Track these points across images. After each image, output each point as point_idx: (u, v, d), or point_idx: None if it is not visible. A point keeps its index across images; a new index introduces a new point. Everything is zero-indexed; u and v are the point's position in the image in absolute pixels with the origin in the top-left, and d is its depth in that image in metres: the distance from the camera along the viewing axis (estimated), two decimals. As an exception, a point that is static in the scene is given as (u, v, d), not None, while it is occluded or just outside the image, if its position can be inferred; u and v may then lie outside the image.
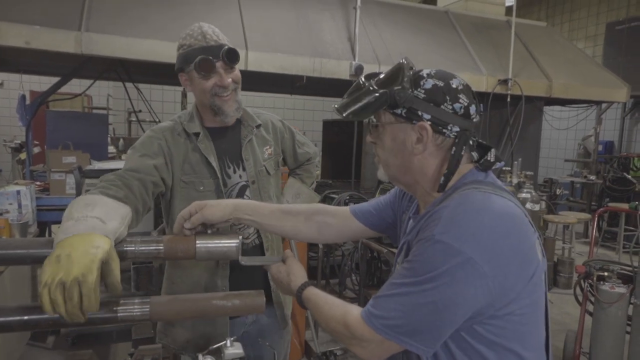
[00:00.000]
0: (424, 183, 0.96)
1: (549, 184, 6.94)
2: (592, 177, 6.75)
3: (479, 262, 0.79)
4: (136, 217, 1.24)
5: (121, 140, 7.11)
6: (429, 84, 0.90)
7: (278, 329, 1.66)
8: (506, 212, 0.85)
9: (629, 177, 6.17)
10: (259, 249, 1.54)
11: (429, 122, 0.90)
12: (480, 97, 4.23)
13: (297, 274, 1.11)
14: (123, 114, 7.62)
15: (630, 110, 7.36)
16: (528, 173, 4.04)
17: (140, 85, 4.62)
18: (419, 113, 0.90)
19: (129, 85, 4.30)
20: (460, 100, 0.90)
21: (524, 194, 3.92)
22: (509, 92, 4.23)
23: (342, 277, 3.81)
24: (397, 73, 0.93)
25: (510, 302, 0.83)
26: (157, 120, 4.97)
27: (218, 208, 1.14)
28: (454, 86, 0.91)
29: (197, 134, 1.46)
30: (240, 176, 1.52)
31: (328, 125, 5.61)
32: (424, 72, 0.93)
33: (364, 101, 0.92)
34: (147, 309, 1.05)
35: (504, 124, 4.49)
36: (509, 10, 5.04)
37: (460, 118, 0.90)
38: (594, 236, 3.19)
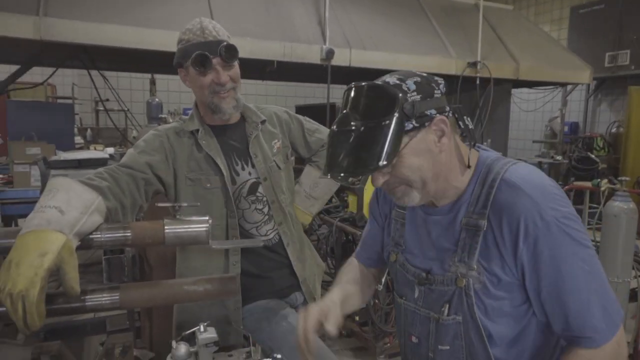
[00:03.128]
0: (453, 175, 0.94)
1: (518, 165, 7.11)
2: (559, 158, 6.95)
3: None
4: (122, 211, 1.22)
5: (89, 131, 6.90)
6: (410, 84, 0.88)
7: None
8: (539, 171, 0.95)
9: (593, 156, 6.38)
10: (280, 244, 1.53)
11: (437, 114, 0.88)
12: (450, 80, 4.28)
13: None
14: (90, 103, 7.38)
15: (594, 91, 7.58)
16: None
17: (107, 73, 4.47)
18: (427, 112, 0.87)
19: (94, 73, 4.15)
20: (439, 81, 0.93)
21: (493, 175, 4.00)
22: (478, 74, 4.29)
23: (318, 261, 3.84)
24: (384, 92, 0.87)
25: None
26: (126, 109, 4.84)
27: (335, 312, 1.03)
28: (425, 75, 0.92)
29: (196, 131, 1.44)
30: (249, 173, 1.49)
31: (301, 110, 5.59)
32: (391, 79, 0.90)
33: (387, 135, 0.83)
34: (117, 297, 1.04)
35: (473, 106, 4.56)
36: (477, -7, 5.08)
37: (444, 96, 0.92)
38: (559, 213, 3.28)
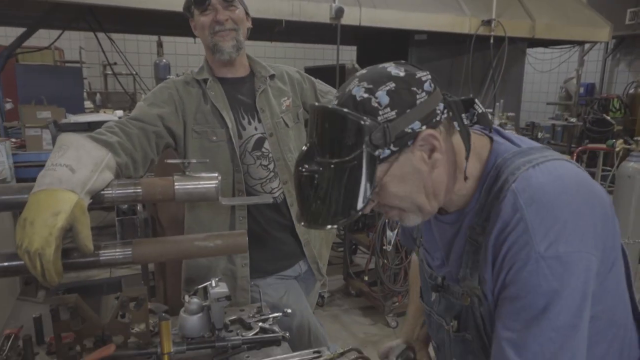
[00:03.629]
0: (457, 185, 0.79)
1: (530, 128, 7.00)
2: (573, 120, 6.81)
3: (594, 253, 0.69)
4: (134, 166, 1.23)
5: (98, 95, 6.89)
6: (382, 97, 0.70)
7: (313, 282, 1.68)
8: (578, 180, 0.73)
9: (608, 118, 6.24)
10: (285, 206, 1.53)
11: (424, 127, 0.71)
12: (463, 39, 4.16)
13: None
14: (98, 67, 7.33)
15: (612, 51, 7.34)
16: (510, 114, 4.06)
17: (114, 36, 4.42)
18: (408, 129, 0.70)
19: (101, 36, 4.10)
20: (423, 78, 0.73)
21: (505, 137, 3.95)
22: (492, 33, 4.16)
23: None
24: (346, 122, 0.69)
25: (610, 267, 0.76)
26: (134, 72, 4.81)
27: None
28: (402, 74, 0.73)
29: (205, 80, 1.44)
30: (255, 128, 1.48)
31: (310, 72, 5.47)
32: (359, 92, 0.71)
33: (358, 175, 0.69)
34: (130, 252, 1.06)
35: (486, 67, 4.44)
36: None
37: (435, 93, 0.74)
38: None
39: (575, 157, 3.37)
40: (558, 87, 7.99)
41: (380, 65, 0.76)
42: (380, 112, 0.70)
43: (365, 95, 0.71)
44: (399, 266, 3.09)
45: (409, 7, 3.85)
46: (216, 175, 1.12)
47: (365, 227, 3.72)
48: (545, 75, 7.98)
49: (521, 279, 0.69)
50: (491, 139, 0.82)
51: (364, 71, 0.77)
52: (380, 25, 3.70)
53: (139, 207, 2.78)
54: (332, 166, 0.70)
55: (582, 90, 7.28)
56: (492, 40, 4.19)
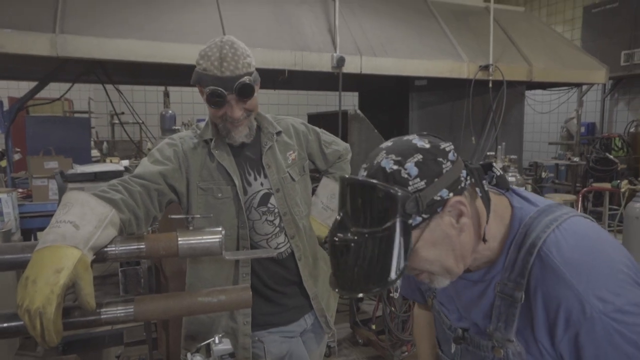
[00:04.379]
0: (482, 246, 0.82)
1: (534, 168, 7.01)
2: (576, 159, 6.82)
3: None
4: (137, 223, 1.22)
5: (105, 144, 7.02)
6: (411, 169, 0.74)
7: (322, 335, 1.64)
8: (596, 233, 0.78)
9: (611, 157, 6.26)
10: (292, 258, 1.52)
11: (451, 194, 0.75)
12: (462, 83, 4.25)
13: None
14: (105, 116, 7.52)
15: (610, 91, 7.45)
16: (512, 157, 4.08)
17: (122, 87, 4.55)
18: (437, 197, 0.74)
19: (109, 87, 4.23)
20: (447, 149, 0.78)
21: (509, 178, 3.96)
22: (490, 77, 4.25)
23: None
24: (379, 193, 0.73)
25: None
26: (141, 121, 4.91)
27: None
28: (427, 146, 0.77)
29: (210, 140, 1.43)
30: (261, 184, 1.48)
31: (313, 118, 5.59)
32: (388, 164, 0.75)
33: (392, 243, 0.71)
34: (132, 309, 1.04)
35: (487, 110, 4.51)
36: (487, -4, 5.06)
37: (458, 161, 0.78)
38: (578, 216, 3.22)
39: (581, 198, 3.35)
40: (559, 127, 8.07)
41: (405, 138, 0.81)
42: (411, 183, 0.73)
43: (395, 167, 0.74)
44: (407, 314, 3.01)
45: (409, 55, 3.96)
46: (220, 229, 1.12)
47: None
48: (545, 116, 8.08)
49: (595, 341, 0.71)
50: (508, 199, 0.86)
51: (389, 143, 0.81)
52: (380, 73, 3.80)
53: (143, 256, 2.77)
54: (367, 235, 0.73)
55: (583, 129, 7.35)
56: (490, 85, 4.28)
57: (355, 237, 0.73)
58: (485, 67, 4.23)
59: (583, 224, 0.80)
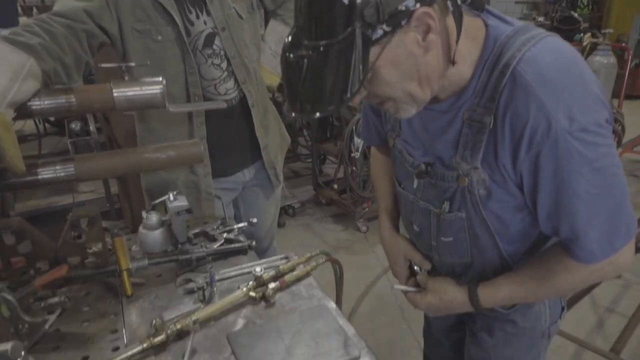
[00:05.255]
0: (448, 70, 0.76)
1: (499, 28, 6.86)
2: (540, 19, 6.69)
3: (609, 115, 0.73)
4: (65, 72, 1.04)
5: (34, 10, 6.23)
6: None
7: (271, 189, 1.62)
8: (575, 54, 0.75)
9: (575, 15, 6.14)
10: (242, 108, 1.42)
11: (418, 5, 0.65)
12: None
13: (448, 290, 0.97)
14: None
15: (584, -59, 7.02)
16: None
17: None
18: (402, 7, 0.64)
19: None
20: None
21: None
22: None
23: (294, 134, 3.80)
24: (329, 0, 0.63)
25: None
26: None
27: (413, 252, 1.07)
28: None
29: None
30: (205, 22, 1.30)
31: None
32: None
33: (349, 56, 0.64)
34: (72, 168, 0.97)
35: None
36: None
37: None
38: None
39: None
40: (527, -16, 7.71)
41: None
42: None
43: None
44: (368, 173, 3.10)
45: None
46: (160, 79, 1.01)
47: (333, 136, 3.68)
48: (514, -28, 7.65)
49: (555, 159, 0.71)
50: (483, 20, 0.78)
51: None
52: None
53: (92, 126, 2.62)
54: (322, 49, 0.65)
55: (551, -14, 7.08)
56: None
57: (310, 52, 0.66)
58: None
59: (560, 42, 0.75)
